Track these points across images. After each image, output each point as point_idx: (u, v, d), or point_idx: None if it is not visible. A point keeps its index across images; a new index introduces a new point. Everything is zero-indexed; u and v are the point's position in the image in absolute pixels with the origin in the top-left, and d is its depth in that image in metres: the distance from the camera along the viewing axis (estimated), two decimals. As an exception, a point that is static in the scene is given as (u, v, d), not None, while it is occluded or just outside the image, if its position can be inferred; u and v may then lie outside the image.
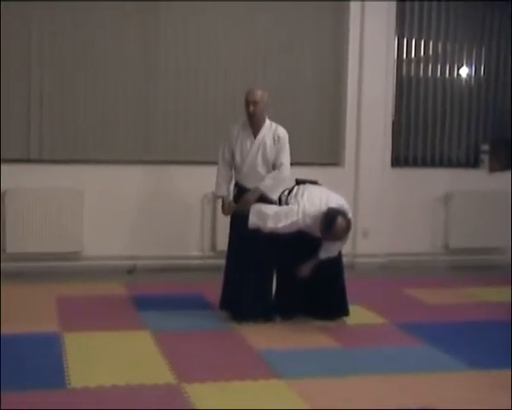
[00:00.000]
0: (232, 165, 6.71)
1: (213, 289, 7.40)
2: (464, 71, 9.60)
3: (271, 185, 6.50)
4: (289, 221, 6.28)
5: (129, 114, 8.51)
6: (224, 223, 8.47)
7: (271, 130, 6.57)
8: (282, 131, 6.58)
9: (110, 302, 7.19)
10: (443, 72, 9.53)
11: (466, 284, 8.41)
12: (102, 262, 8.40)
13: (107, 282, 7.91)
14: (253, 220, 6.38)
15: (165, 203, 8.57)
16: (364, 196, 9.09)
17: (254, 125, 6.57)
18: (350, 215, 6.36)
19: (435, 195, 9.41)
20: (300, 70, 8.93)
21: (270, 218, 6.32)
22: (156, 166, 8.60)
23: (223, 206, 6.82)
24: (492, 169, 9.42)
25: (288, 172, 6.54)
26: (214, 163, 8.59)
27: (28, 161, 8.25)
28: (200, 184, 8.52)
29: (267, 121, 6.60)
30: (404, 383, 5.19)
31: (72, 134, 8.37)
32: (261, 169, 6.55)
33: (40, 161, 8.28)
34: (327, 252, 6.41)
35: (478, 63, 9.62)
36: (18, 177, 8.13)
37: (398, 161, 9.43)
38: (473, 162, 9.66)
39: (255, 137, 6.56)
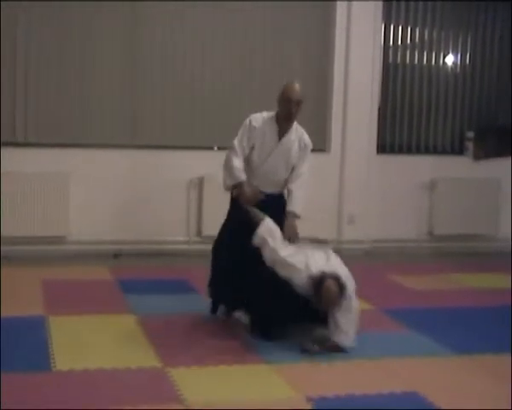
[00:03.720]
0: (245, 158, 5.96)
1: (199, 274, 7.41)
2: (450, 59, 9.63)
3: (302, 202, 5.98)
4: (294, 264, 5.58)
5: (115, 99, 8.49)
6: (210, 208, 8.52)
7: (297, 134, 5.98)
8: (308, 140, 6.04)
9: (96, 286, 7.19)
10: (429, 59, 9.55)
11: (450, 270, 8.46)
12: (88, 246, 8.40)
13: (93, 266, 7.91)
14: (261, 236, 5.70)
15: (151, 188, 8.57)
16: (350, 182, 9.12)
17: (283, 126, 5.93)
18: (342, 280, 5.54)
19: (420, 181, 9.45)
20: (287, 56, 8.92)
21: (281, 249, 5.66)
22: (142, 151, 8.59)
23: (243, 192, 5.85)
24: (477, 157, 9.46)
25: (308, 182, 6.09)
26: (200, 148, 8.61)
27: (14, 144, 8.21)
28: (187, 168, 8.55)
29: (294, 123, 6.00)
30: (389, 367, 5.22)
31: (58, 118, 8.34)
32: (282, 173, 5.96)
33: (26, 144, 8.25)
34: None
35: (464, 51, 9.65)
36: (3, 161, 8.08)
37: (384, 147, 9.46)
38: (457, 149, 9.69)
39: (280, 139, 5.91)
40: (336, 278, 5.45)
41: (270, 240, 5.64)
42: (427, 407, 4.62)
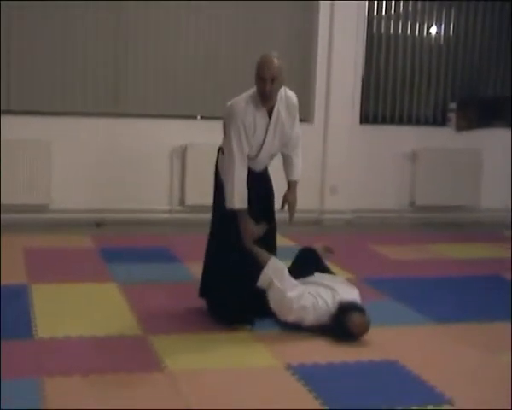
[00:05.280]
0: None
1: (181, 243, 7.45)
2: (434, 30, 9.64)
3: (300, 166, 5.60)
4: (305, 305, 5.29)
5: (98, 66, 8.45)
6: (193, 177, 8.53)
7: (283, 99, 5.26)
8: (294, 97, 5.39)
9: (78, 255, 7.19)
10: (413, 30, 9.55)
11: (431, 240, 8.50)
12: (70, 215, 8.39)
13: (75, 234, 7.91)
14: (267, 277, 5.26)
15: (134, 156, 8.54)
16: (333, 152, 9.13)
17: (268, 103, 5.18)
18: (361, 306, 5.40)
19: (403, 152, 9.47)
20: (270, 28, 8.88)
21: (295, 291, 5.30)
22: (125, 119, 8.56)
23: (247, 229, 5.24)
24: (459, 128, 9.48)
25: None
26: (183, 117, 8.57)
27: (-5, 112, 8.19)
28: (170, 137, 8.55)
29: (280, 91, 5.25)
30: (369, 336, 5.25)
31: (41, 85, 8.31)
32: (276, 150, 5.42)
33: (8, 112, 8.20)
34: None
35: (447, 22, 9.65)
36: (-15, 128, 8.07)
37: (367, 118, 9.47)
38: (440, 120, 9.72)
39: (270, 117, 5.21)
40: (356, 308, 5.30)
41: (277, 281, 5.24)
42: (406, 376, 4.66)
